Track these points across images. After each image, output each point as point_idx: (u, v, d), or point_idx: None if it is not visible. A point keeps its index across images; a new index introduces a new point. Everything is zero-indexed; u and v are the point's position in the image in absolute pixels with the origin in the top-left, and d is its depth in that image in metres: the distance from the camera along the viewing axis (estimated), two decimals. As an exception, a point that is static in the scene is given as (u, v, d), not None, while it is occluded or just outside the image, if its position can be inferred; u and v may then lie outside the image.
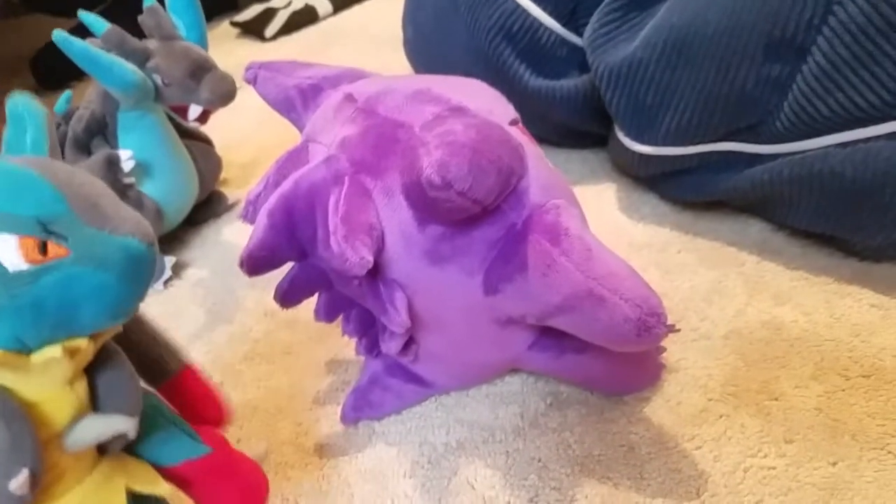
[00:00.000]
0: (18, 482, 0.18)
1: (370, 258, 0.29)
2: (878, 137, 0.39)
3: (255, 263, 0.32)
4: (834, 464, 0.34)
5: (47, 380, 0.20)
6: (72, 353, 0.20)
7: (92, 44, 0.42)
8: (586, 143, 0.58)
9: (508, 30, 0.50)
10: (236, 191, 0.65)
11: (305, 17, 1.06)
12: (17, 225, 0.18)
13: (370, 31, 1.00)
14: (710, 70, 0.42)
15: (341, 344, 0.46)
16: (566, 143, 0.60)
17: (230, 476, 0.27)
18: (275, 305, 0.50)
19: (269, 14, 1.06)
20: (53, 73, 0.98)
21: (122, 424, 0.21)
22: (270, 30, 1.02)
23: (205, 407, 0.29)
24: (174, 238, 0.59)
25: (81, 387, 0.21)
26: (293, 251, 0.33)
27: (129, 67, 0.39)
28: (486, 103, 0.33)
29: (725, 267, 0.47)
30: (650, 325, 0.29)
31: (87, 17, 0.46)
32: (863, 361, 0.39)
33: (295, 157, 0.34)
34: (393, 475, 0.37)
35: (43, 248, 0.18)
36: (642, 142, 0.47)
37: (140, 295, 0.21)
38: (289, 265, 0.34)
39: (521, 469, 0.36)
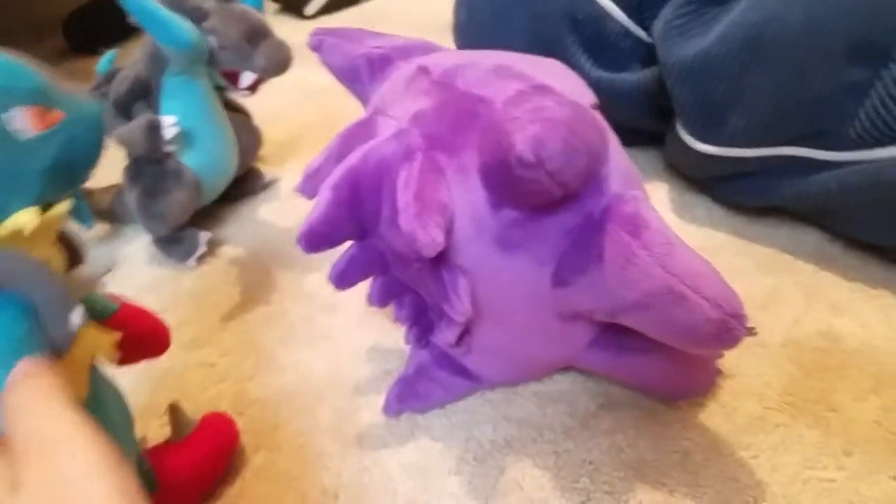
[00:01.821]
0: (79, 314, 0.21)
1: (441, 239, 0.27)
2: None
3: (315, 240, 0.30)
4: (895, 478, 0.33)
5: (54, 232, 0.22)
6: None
7: None
8: (638, 140, 0.56)
9: (574, 17, 0.48)
10: (272, 168, 0.63)
11: (347, -1, 1.05)
12: (23, 96, 0.20)
13: (413, 15, 0.99)
14: (787, 71, 0.41)
15: (382, 331, 0.44)
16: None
17: (141, 320, 0.31)
18: (312, 287, 0.49)
19: (310, -8, 1.05)
20: (85, 36, 0.98)
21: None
22: (311, 8, 1.01)
23: None
24: (209, 214, 0.57)
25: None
26: (354, 229, 0.31)
27: (187, 25, 0.37)
28: (569, 84, 0.32)
29: (782, 274, 0.46)
30: (731, 326, 0.28)
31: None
32: (924, 379, 0.38)
33: (361, 130, 0.32)
34: (438, 471, 0.35)
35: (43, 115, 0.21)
36: (706, 141, 0.46)
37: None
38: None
39: (572, 471, 0.35)
